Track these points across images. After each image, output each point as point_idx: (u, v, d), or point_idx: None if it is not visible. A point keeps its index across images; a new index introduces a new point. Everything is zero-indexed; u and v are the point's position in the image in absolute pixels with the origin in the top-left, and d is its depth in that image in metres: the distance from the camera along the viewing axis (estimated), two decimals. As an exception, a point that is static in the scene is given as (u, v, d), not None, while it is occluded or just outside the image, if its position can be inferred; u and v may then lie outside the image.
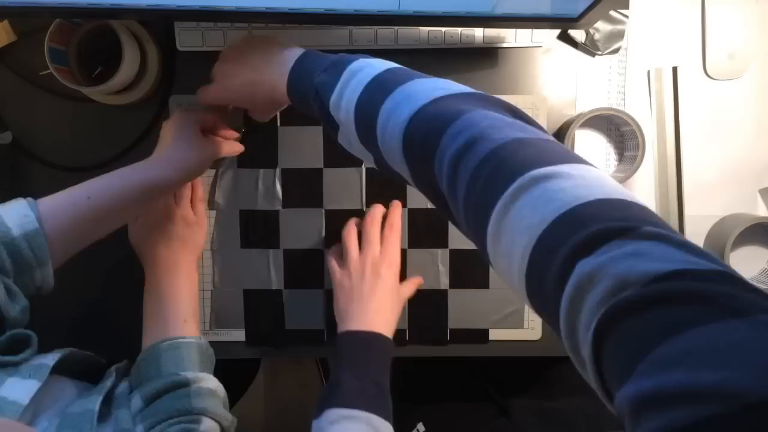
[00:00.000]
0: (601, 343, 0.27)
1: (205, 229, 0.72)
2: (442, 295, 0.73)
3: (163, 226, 0.68)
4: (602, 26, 0.71)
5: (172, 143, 0.61)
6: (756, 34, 0.72)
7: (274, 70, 0.56)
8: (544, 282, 0.32)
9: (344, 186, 0.73)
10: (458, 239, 0.73)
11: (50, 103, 0.71)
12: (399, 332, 0.73)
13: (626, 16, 0.71)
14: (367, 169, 0.72)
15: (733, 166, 0.72)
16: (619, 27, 0.71)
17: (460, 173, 0.38)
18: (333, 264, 0.69)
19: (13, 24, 0.69)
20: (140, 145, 0.72)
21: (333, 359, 0.65)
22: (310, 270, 0.73)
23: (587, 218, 0.30)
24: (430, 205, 0.72)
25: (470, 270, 0.73)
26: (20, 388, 0.48)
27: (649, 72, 0.72)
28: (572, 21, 0.59)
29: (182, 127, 0.62)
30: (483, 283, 0.73)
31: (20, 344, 0.52)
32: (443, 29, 0.70)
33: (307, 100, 0.53)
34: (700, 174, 0.72)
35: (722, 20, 0.71)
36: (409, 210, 0.73)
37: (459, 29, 0.70)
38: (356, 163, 0.72)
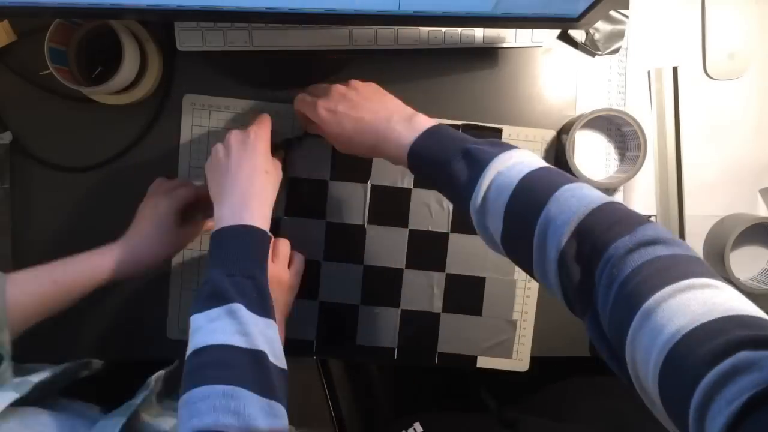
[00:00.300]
0: (752, 410, 0.29)
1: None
2: (434, 317, 0.73)
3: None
4: (602, 26, 0.70)
5: (146, 235, 0.62)
6: (756, 34, 0.72)
7: (396, 130, 0.57)
8: (689, 361, 0.34)
9: (348, 200, 0.72)
10: (456, 264, 0.73)
11: (50, 103, 0.71)
12: (387, 350, 0.74)
13: (626, 16, 0.71)
14: (372, 185, 0.72)
15: (733, 166, 0.72)
16: (619, 27, 0.71)
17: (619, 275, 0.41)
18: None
19: (12, 24, 0.69)
20: (140, 145, 0.72)
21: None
22: (309, 280, 0.72)
23: (753, 324, 0.34)
24: (431, 228, 0.73)
25: (465, 296, 0.73)
26: None
27: (649, 72, 0.72)
28: (572, 21, 0.59)
29: (162, 216, 0.63)
30: (476, 309, 0.73)
31: None
32: (443, 29, 0.69)
33: (439, 160, 0.54)
34: (701, 174, 0.72)
35: (722, 20, 0.71)
36: (410, 231, 0.73)
37: (459, 29, 0.70)
38: (362, 178, 0.72)
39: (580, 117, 0.69)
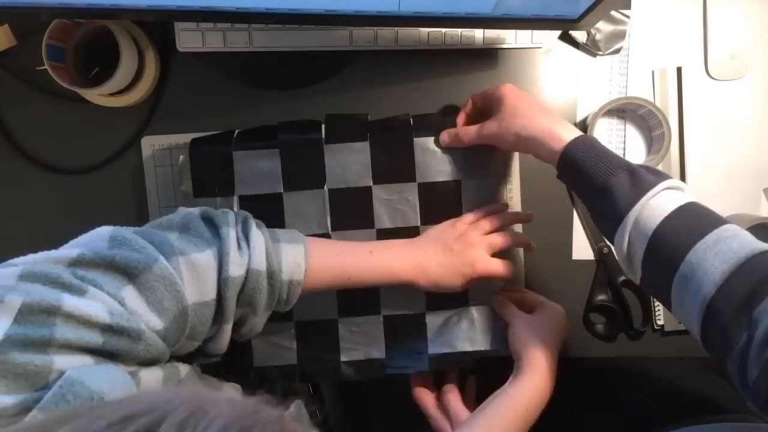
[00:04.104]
0: None
1: None
2: (419, 318, 0.68)
3: None
4: (603, 26, 0.70)
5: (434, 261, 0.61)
6: (757, 34, 0.71)
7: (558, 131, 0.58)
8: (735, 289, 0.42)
9: (306, 210, 0.66)
10: None
11: (49, 105, 0.71)
12: (376, 362, 0.68)
13: (627, 17, 0.70)
14: (329, 190, 0.66)
15: (736, 166, 0.72)
16: (621, 27, 0.70)
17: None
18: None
19: (12, 25, 0.69)
20: (137, 147, 0.72)
21: None
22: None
23: None
24: (402, 224, 0.67)
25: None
26: None
27: (653, 72, 0.72)
28: (572, 22, 0.59)
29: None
30: (462, 301, 0.67)
31: None
32: (443, 30, 0.69)
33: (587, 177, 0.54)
34: (703, 174, 0.72)
35: (724, 20, 0.71)
36: (378, 230, 0.67)
37: (459, 30, 0.69)
38: (318, 184, 0.66)
39: (603, 106, 0.69)
